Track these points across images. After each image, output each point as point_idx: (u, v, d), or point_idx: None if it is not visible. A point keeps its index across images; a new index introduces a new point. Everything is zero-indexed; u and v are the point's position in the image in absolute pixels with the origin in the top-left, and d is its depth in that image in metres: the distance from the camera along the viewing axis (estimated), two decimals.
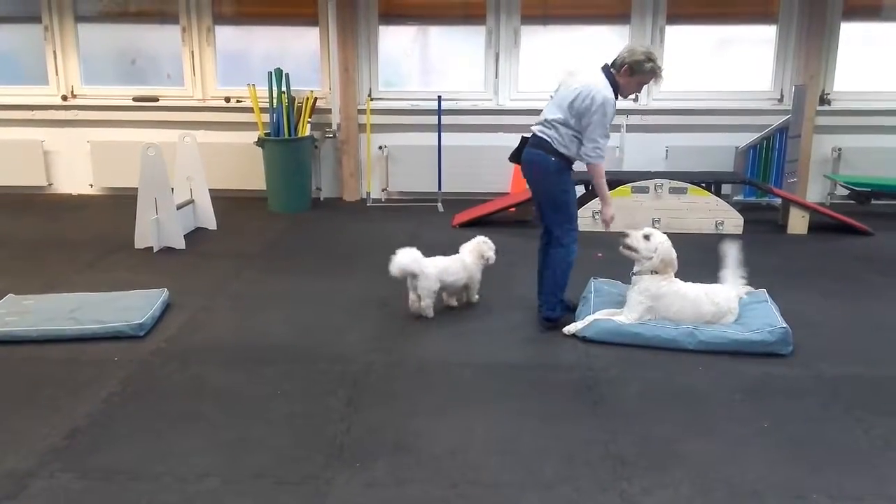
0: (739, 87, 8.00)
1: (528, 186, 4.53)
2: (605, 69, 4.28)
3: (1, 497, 2.82)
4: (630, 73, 4.23)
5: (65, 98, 8.20)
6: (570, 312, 4.57)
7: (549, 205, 4.40)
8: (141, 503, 2.79)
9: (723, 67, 8.06)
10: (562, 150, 4.27)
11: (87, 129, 8.16)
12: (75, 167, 8.25)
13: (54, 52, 8.14)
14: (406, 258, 4.53)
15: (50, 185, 8.31)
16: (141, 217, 6.07)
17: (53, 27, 8.08)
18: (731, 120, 7.84)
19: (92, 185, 8.28)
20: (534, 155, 4.33)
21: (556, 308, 4.46)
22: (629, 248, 4.34)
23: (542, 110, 4.39)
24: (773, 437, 3.27)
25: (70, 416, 3.42)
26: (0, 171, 8.15)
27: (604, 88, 4.17)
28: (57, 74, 8.19)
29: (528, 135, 4.43)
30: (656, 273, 4.30)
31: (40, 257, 5.94)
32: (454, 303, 4.82)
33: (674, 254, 4.33)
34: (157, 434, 3.28)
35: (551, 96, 4.42)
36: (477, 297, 4.90)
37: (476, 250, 4.79)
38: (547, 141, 4.27)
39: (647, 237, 4.32)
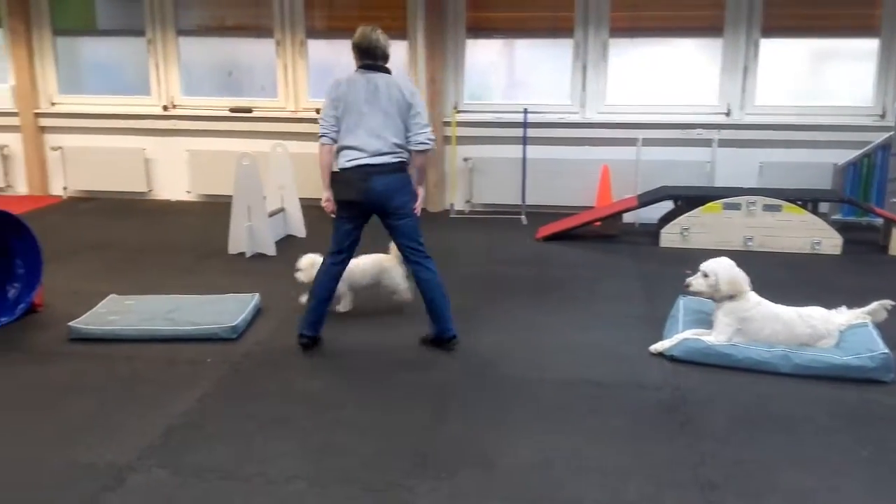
0: (838, 102, 7.71)
1: (390, 214, 4.14)
2: (372, 67, 4.07)
3: (101, 489, 2.95)
4: None
5: (165, 108, 8.57)
6: None
7: (414, 225, 4.24)
8: (232, 502, 2.88)
9: (821, 82, 7.79)
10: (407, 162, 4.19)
11: (186, 139, 8.51)
12: (174, 174, 8.60)
13: (156, 65, 8.53)
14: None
15: (150, 191, 8.69)
16: (235, 224, 6.29)
17: (156, 40, 8.46)
18: (829, 136, 7.56)
19: (189, 192, 8.61)
20: (398, 180, 4.10)
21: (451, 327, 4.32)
22: (697, 294, 4.30)
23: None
24: (873, 468, 3.12)
25: (166, 414, 3.56)
26: (105, 178, 8.58)
27: (404, 78, 4.14)
28: (159, 86, 8.58)
29: (352, 164, 4.05)
30: (734, 297, 4.20)
31: (140, 260, 6.21)
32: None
33: (735, 273, 4.20)
34: (248, 435, 3.38)
35: (335, 116, 4.08)
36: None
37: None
38: (405, 162, 4.13)
39: (705, 275, 4.25)
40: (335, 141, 4.14)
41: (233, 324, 4.49)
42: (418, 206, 4.28)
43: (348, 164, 4.08)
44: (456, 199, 8.13)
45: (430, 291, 4.25)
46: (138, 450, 3.24)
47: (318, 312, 4.32)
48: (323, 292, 4.31)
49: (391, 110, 4.03)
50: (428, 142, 4.12)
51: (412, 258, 4.26)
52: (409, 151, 4.14)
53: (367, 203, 4.11)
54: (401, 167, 4.12)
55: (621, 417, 3.56)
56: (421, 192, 4.32)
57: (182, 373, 4.03)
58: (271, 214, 6.56)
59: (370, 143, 4.04)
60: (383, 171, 4.06)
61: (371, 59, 4.09)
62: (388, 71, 4.12)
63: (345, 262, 4.36)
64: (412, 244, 4.24)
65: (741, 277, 4.22)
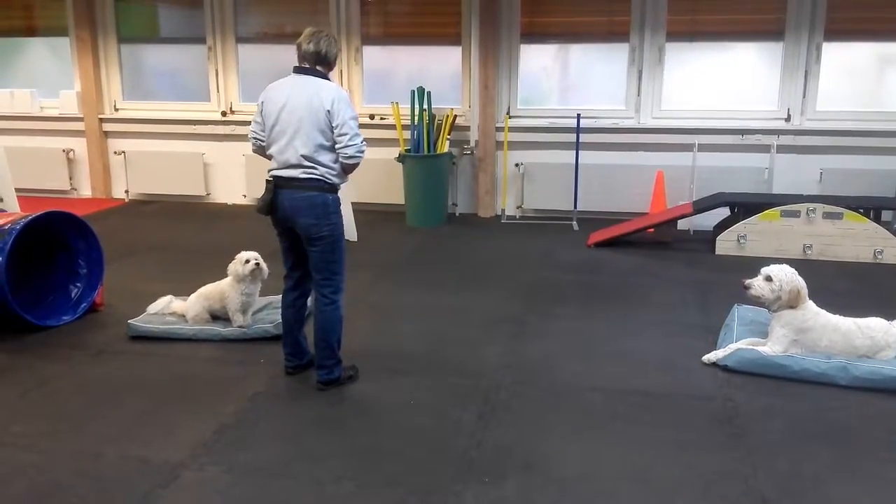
0: None
1: (302, 236, 3.82)
2: (305, 70, 3.80)
3: (155, 485, 3.03)
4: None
5: (224, 114, 8.75)
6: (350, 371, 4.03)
7: (328, 252, 3.80)
8: (281, 500, 2.93)
9: (885, 87, 7.54)
10: (337, 180, 3.80)
11: (243, 144, 8.65)
12: (231, 179, 8.78)
13: (216, 71, 8.73)
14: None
15: (208, 194, 8.88)
16: None
17: (216, 48, 8.66)
18: (892, 142, 7.32)
19: (245, 196, 8.77)
20: (305, 199, 3.72)
21: (335, 369, 3.91)
22: (755, 297, 4.19)
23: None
24: None
25: (218, 413, 3.64)
26: (165, 181, 8.81)
27: (331, 86, 3.75)
28: (218, 92, 8.77)
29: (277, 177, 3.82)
30: (792, 308, 4.09)
31: (198, 261, 6.35)
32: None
33: (800, 282, 4.11)
34: (298, 435, 3.43)
35: (257, 122, 3.91)
36: (239, 321, 4.62)
37: (231, 270, 4.63)
38: (318, 179, 3.72)
39: (768, 279, 4.15)
40: (264, 148, 3.90)
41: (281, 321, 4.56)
42: None
43: (268, 175, 3.84)
44: (507, 205, 8.12)
45: (315, 331, 3.89)
46: (191, 447, 3.32)
47: (289, 342, 4.07)
48: (287, 320, 4.05)
49: (307, 119, 3.66)
50: (357, 154, 3.71)
51: (316, 289, 3.87)
52: (337, 165, 3.77)
53: (276, 218, 3.85)
54: (312, 184, 3.72)
55: (672, 428, 3.51)
56: None
57: (235, 372, 4.11)
58: None
59: (280, 154, 3.75)
60: (291, 185, 3.73)
61: (307, 62, 3.78)
62: (323, 76, 3.80)
63: (298, 286, 4.00)
64: (318, 275, 3.83)
65: (804, 287, 4.12)
